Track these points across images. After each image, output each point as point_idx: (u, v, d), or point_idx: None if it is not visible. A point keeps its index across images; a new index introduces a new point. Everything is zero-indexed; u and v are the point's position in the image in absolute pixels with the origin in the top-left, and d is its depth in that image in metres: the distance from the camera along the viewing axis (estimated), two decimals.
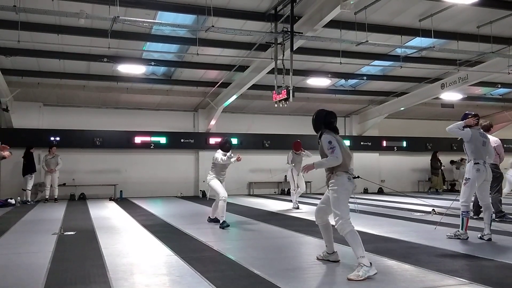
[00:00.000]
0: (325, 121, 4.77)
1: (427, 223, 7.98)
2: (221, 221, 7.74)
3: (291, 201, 11.50)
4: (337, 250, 4.94)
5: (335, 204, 4.48)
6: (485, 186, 6.32)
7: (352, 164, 4.82)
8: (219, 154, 7.97)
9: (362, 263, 4.19)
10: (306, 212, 10.30)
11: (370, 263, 4.22)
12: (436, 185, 17.67)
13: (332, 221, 4.60)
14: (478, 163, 6.17)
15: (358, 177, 4.76)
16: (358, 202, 12.01)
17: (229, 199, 7.98)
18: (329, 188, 4.58)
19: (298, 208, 11.04)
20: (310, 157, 10.63)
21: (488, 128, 8.63)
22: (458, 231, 6.33)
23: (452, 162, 19.46)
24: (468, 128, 6.28)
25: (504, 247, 5.96)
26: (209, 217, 8.45)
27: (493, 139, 8.46)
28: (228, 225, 7.65)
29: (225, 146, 8.11)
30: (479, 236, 6.25)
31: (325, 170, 4.66)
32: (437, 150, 18.21)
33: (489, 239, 6.12)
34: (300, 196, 11.95)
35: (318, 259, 4.99)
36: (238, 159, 7.97)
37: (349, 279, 4.14)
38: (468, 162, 6.29)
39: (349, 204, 4.56)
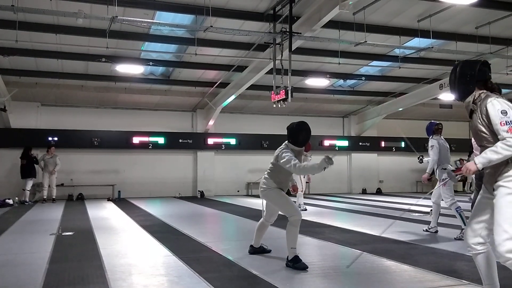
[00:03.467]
0: (479, 75, 2.97)
1: (426, 223, 7.97)
2: (289, 257, 4.71)
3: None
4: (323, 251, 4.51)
5: (508, 213, 2.83)
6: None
7: None
8: (288, 151, 4.70)
9: None
10: (305, 212, 10.30)
11: None
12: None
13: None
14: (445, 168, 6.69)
15: None
16: (358, 203, 11.89)
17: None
18: (502, 185, 2.89)
19: (305, 210, 10.76)
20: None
21: None
22: (464, 229, 6.31)
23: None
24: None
25: None
26: (251, 246, 5.45)
27: None
28: (305, 267, 4.57)
29: (300, 135, 4.80)
30: (424, 229, 7.06)
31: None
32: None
33: (436, 231, 6.93)
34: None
35: None
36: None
37: None
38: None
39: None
